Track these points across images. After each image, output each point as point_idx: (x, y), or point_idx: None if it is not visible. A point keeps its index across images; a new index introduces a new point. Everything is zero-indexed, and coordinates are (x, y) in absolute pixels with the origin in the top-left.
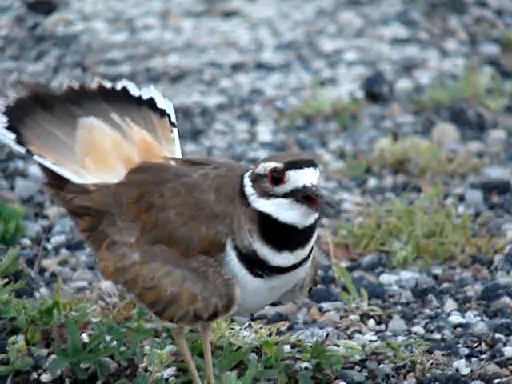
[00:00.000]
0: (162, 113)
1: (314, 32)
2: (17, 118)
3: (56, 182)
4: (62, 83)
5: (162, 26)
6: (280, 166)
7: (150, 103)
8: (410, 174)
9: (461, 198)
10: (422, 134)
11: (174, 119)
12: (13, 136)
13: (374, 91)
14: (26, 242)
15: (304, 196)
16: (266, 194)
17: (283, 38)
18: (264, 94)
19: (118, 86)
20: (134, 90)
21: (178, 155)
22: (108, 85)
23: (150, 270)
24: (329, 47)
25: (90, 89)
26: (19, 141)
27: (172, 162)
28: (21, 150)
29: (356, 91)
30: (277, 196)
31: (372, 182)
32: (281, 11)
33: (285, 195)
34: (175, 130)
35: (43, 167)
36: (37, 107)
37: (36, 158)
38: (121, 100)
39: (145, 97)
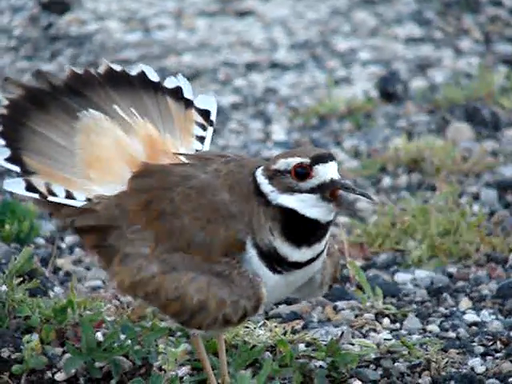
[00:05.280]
0: (188, 104)
1: (328, 31)
2: (14, 134)
3: (52, 205)
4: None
5: (176, 26)
6: (306, 160)
7: (174, 93)
8: (424, 173)
9: (475, 197)
10: (437, 132)
11: (212, 117)
12: (18, 168)
13: (389, 90)
14: (41, 241)
15: (330, 193)
16: (290, 190)
17: (297, 38)
18: (278, 94)
19: (134, 71)
20: (153, 76)
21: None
22: (118, 68)
23: (172, 280)
24: (343, 46)
25: (96, 74)
26: (25, 171)
27: (181, 158)
28: (34, 195)
29: (370, 90)
30: (301, 191)
31: (386, 181)
32: (295, 10)
33: (311, 190)
34: (210, 128)
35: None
36: (31, 109)
37: (50, 198)
38: (134, 86)
39: (169, 86)
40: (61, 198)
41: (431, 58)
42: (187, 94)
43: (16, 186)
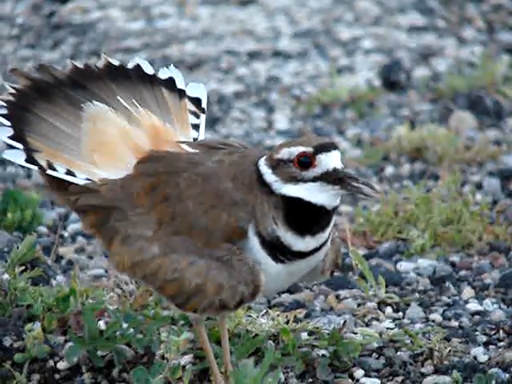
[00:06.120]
0: (181, 94)
1: (331, 20)
2: (19, 118)
3: (57, 185)
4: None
5: (178, 14)
6: (309, 150)
7: (168, 83)
8: (427, 162)
9: (478, 186)
10: (440, 121)
11: (203, 104)
12: (21, 146)
13: (392, 79)
14: (43, 229)
15: (336, 178)
16: (294, 179)
17: (300, 26)
18: (281, 82)
19: (130, 64)
20: (148, 68)
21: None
22: (116, 63)
23: (171, 263)
24: (346, 35)
25: (96, 68)
26: (28, 149)
27: (184, 146)
28: (33, 167)
29: (373, 79)
30: (305, 180)
31: (389, 170)
32: None
33: (314, 179)
34: (202, 115)
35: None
36: (37, 98)
37: (49, 172)
38: (131, 79)
39: (162, 77)
40: (60, 174)
41: (434, 47)
42: (180, 85)
43: (16, 156)
